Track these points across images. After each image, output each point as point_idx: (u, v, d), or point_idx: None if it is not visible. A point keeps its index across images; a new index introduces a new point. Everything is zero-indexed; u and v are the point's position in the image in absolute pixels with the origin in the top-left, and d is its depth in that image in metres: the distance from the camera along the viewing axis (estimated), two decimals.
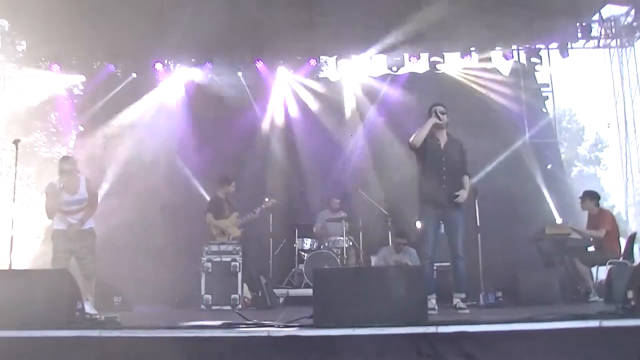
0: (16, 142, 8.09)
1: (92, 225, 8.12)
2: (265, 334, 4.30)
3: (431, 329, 4.23)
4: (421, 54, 13.57)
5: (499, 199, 10.90)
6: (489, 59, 13.58)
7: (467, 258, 7.93)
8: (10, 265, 7.43)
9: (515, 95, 13.61)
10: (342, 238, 11.49)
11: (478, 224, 9.06)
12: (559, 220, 11.99)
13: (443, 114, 7.79)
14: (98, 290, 8.20)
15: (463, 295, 7.78)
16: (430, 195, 7.75)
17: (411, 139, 7.78)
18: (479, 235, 9.00)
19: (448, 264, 10.59)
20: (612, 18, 13.88)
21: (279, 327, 4.50)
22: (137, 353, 4.20)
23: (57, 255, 7.79)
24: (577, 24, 13.29)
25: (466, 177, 7.92)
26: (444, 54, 13.60)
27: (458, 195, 7.68)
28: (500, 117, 13.25)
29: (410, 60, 13.57)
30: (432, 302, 7.48)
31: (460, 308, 7.57)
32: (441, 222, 7.91)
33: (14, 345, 4.28)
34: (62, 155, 9.30)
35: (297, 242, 11.82)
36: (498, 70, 13.95)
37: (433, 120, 7.72)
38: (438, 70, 13.68)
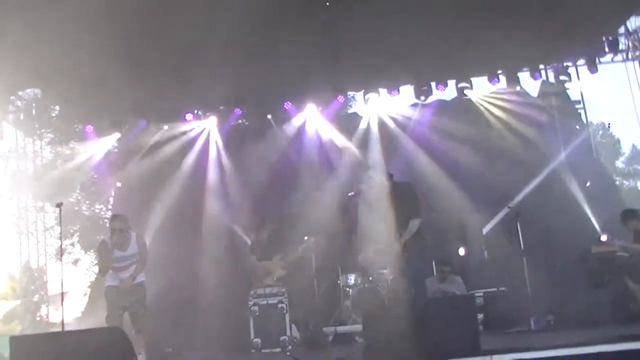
0: (59, 205, 8.24)
1: (142, 280, 8.22)
2: None
3: (486, 359, 4.20)
4: (448, 81, 13.57)
5: (540, 221, 10.81)
6: (517, 81, 13.52)
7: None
8: (62, 324, 7.54)
9: (547, 115, 13.53)
10: (386, 271, 11.42)
11: (522, 247, 8.98)
12: (603, 237, 11.79)
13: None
14: (149, 342, 8.27)
15: None
16: None
17: None
18: (525, 259, 8.92)
19: (495, 289, 10.60)
20: (638, 30, 13.73)
21: None
22: None
23: (111, 312, 7.86)
24: (604, 39, 13.18)
25: (413, 222, 7.87)
26: (471, 79, 13.60)
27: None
28: (534, 138, 13.16)
29: (437, 89, 13.57)
30: None
31: None
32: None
33: None
34: (113, 214, 9.44)
35: (341, 278, 11.76)
36: (527, 92, 13.90)
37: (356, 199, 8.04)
38: (466, 96, 13.67)
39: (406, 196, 7.98)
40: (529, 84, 13.92)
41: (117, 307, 7.89)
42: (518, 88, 13.64)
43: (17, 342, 5.48)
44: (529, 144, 12.85)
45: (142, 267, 8.18)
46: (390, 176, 8.22)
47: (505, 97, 13.63)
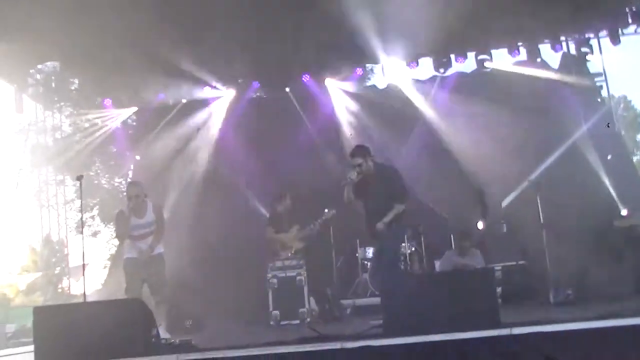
0: (79, 178, 8.26)
1: (161, 251, 8.25)
2: (338, 346, 4.31)
3: (505, 331, 4.19)
4: (468, 53, 13.43)
5: (560, 193, 10.71)
6: (538, 53, 13.33)
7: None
8: (84, 296, 7.61)
9: (568, 88, 13.34)
10: (404, 244, 11.42)
11: (542, 220, 8.92)
12: (624, 212, 11.69)
13: (358, 165, 7.76)
14: (169, 314, 8.34)
15: None
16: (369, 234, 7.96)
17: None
18: (544, 231, 8.87)
19: (514, 263, 10.57)
20: None
21: (352, 338, 4.50)
22: None
23: (131, 284, 7.89)
24: (627, 9, 12.90)
25: (394, 207, 7.69)
26: (491, 51, 13.44)
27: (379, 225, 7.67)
28: (555, 110, 13.01)
29: (457, 61, 13.47)
30: None
31: None
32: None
33: None
34: (129, 181, 9.50)
35: (359, 251, 11.78)
36: (548, 64, 13.71)
37: (345, 186, 7.80)
38: (486, 68, 13.53)
39: (391, 180, 7.88)
40: (550, 56, 13.76)
41: (136, 279, 7.91)
42: (538, 60, 13.45)
43: (41, 313, 5.56)
44: (549, 117, 12.69)
45: (159, 237, 8.19)
46: (373, 159, 8.13)
47: (525, 69, 13.44)
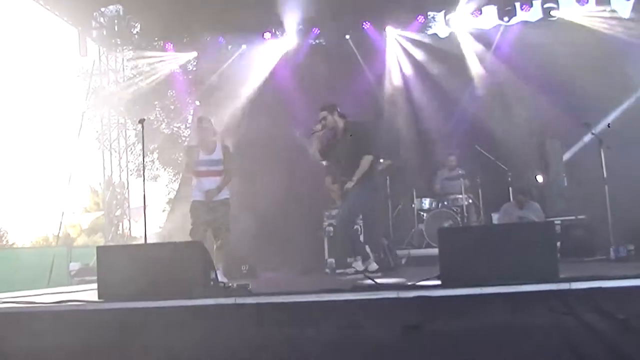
0: (141, 121, 8.30)
1: (227, 197, 8.28)
2: (394, 295, 4.31)
3: (564, 286, 4.13)
4: (533, 1, 12.99)
5: (626, 147, 10.39)
6: (608, 2, 12.83)
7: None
8: (145, 237, 7.77)
9: (639, 38, 12.83)
10: (461, 196, 11.34)
11: (605, 175, 8.71)
12: None
13: (322, 119, 8.10)
14: (227, 259, 8.46)
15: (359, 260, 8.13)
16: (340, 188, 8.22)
17: (313, 158, 8.30)
18: (606, 187, 8.66)
19: (573, 217, 10.39)
20: None
21: (408, 288, 4.50)
22: (271, 319, 4.32)
23: (196, 227, 7.98)
24: None
25: (365, 158, 7.95)
26: None
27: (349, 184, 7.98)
28: (624, 62, 12.52)
29: (522, 9, 13.05)
30: (358, 264, 8.03)
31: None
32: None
33: (156, 314, 4.51)
34: (198, 117, 9.58)
35: (415, 202, 11.75)
36: (618, 13, 13.19)
37: (313, 139, 8.17)
38: (552, 17, 13.08)
39: (359, 134, 8.08)
40: (621, 3, 13.20)
41: (201, 222, 7.99)
42: (608, 9, 12.95)
43: (103, 252, 5.70)
44: (617, 68, 12.24)
45: (228, 179, 8.20)
46: (343, 116, 8.29)
47: (594, 17, 12.95)
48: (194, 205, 8.16)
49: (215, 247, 7.90)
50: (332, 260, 9.58)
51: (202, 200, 8.09)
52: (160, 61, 14.41)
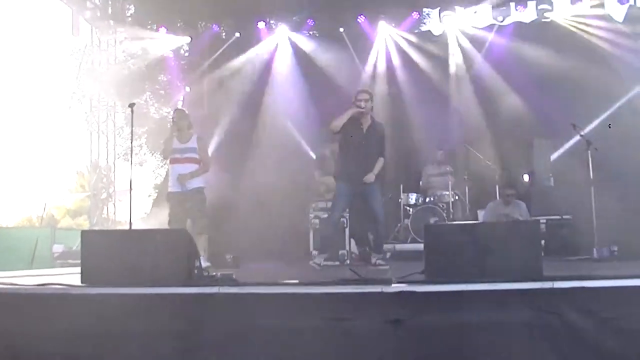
0: (131, 105, 8.30)
1: (201, 186, 8.34)
2: (378, 289, 4.32)
3: (547, 285, 4.15)
4: (528, 2, 13.04)
5: (614, 151, 10.46)
6: (602, 5, 12.87)
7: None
8: (130, 223, 7.76)
9: (632, 42, 12.85)
10: (447, 192, 11.37)
11: (591, 176, 8.77)
12: None
13: (366, 100, 8.00)
14: (210, 249, 8.47)
15: (381, 256, 8.31)
16: (344, 174, 8.13)
17: (331, 125, 8.08)
18: (592, 188, 8.72)
19: (558, 217, 10.45)
20: None
21: (392, 282, 4.50)
22: (255, 309, 4.32)
23: (174, 217, 8.12)
24: None
25: (381, 159, 8.15)
26: (553, 0, 13.01)
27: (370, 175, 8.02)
28: (614, 66, 12.58)
29: (516, 10, 13.09)
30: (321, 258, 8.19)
31: (380, 264, 8.05)
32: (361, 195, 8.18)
33: (140, 301, 4.50)
34: (177, 108, 9.63)
35: (402, 197, 11.75)
36: (612, 17, 13.23)
37: (352, 111, 7.95)
38: (546, 18, 13.11)
39: (381, 134, 8.25)
40: (615, 7, 13.21)
41: (178, 211, 8.14)
42: (602, 12, 13.00)
43: (88, 236, 5.68)
44: (609, 71, 12.27)
45: (202, 170, 8.32)
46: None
47: (587, 20, 12.98)
48: (168, 196, 8.35)
49: (194, 234, 7.94)
50: (316, 252, 9.56)
51: (176, 191, 8.22)
52: (153, 44, 14.33)
